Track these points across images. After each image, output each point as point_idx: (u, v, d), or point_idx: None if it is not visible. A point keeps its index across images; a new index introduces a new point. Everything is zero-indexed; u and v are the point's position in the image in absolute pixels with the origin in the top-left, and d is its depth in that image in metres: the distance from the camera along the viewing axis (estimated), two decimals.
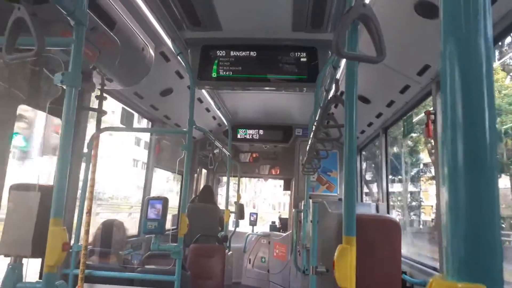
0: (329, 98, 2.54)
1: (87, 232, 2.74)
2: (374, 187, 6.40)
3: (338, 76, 3.18)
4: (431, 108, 3.06)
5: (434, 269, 3.12)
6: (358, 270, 1.63)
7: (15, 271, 1.57)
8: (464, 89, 0.55)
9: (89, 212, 2.77)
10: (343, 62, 2.68)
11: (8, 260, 1.60)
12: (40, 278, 2.34)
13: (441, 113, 0.57)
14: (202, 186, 7.22)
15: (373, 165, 6.71)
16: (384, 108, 4.01)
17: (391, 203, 4.66)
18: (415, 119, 4.13)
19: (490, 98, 0.53)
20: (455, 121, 0.54)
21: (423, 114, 3.27)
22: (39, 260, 1.90)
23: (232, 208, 6.85)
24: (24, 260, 1.63)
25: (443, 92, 0.57)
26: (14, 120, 2.21)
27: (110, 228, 3.28)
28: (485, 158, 0.52)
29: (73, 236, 2.89)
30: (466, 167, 0.52)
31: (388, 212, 4.45)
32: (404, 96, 3.51)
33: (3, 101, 2.22)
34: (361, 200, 6.14)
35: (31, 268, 1.68)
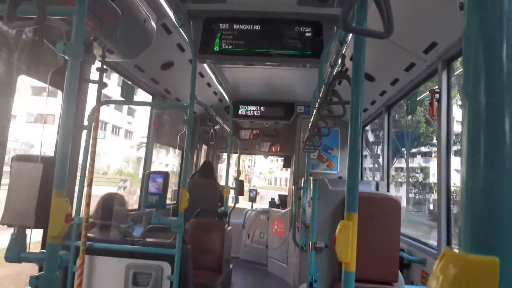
0: (334, 74, 2.51)
1: (88, 204, 2.75)
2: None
3: (343, 51, 3.13)
4: (436, 87, 3.03)
5: (432, 248, 3.16)
6: (357, 247, 1.65)
7: (18, 241, 1.58)
8: (488, 63, 0.53)
9: (89, 184, 2.77)
10: (350, 37, 2.63)
11: (11, 230, 1.61)
12: (42, 248, 2.37)
13: (460, 89, 0.56)
14: (202, 162, 7.24)
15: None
16: (388, 86, 3.98)
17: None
18: (418, 98, 4.10)
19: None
20: (477, 99, 0.53)
21: (427, 92, 3.24)
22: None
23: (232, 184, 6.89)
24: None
25: (466, 68, 0.55)
26: (14, 91, 2.19)
27: (110, 201, 3.29)
28: (504, 133, 0.51)
29: (74, 208, 2.90)
30: (484, 140, 0.52)
31: (388, 191, 4.47)
32: (409, 74, 3.47)
33: (3, 71, 2.18)
34: (361, 178, 6.17)
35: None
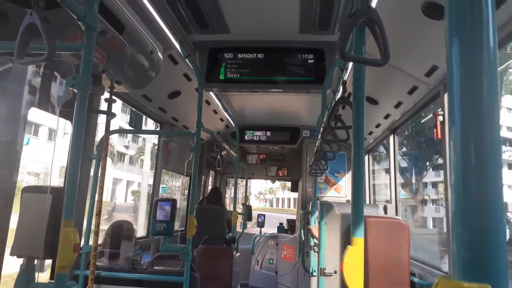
0: (336, 99, 2.55)
1: (96, 233, 2.77)
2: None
3: (345, 77, 3.18)
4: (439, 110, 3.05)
5: (443, 271, 3.10)
6: (366, 271, 1.63)
7: (27, 272, 1.59)
8: (469, 91, 0.55)
9: (98, 213, 2.80)
10: (351, 63, 2.69)
11: (20, 261, 1.63)
12: (51, 278, 2.37)
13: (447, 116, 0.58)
14: (209, 188, 7.24)
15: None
16: (392, 109, 4.00)
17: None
18: (423, 120, 4.11)
19: (493, 99, 0.54)
20: (460, 123, 0.55)
21: (431, 114, 3.26)
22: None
23: (240, 209, 6.87)
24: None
25: (450, 94, 0.58)
26: (25, 122, 2.25)
27: (119, 230, 3.30)
28: (490, 161, 0.53)
29: (82, 237, 2.92)
30: (471, 170, 0.53)
31: (396, 214, 4.43)
32: (412, 97, 3.50)
33: (15, 104, 2.25)
34: (369, 201, 6.12)
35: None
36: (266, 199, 64.96)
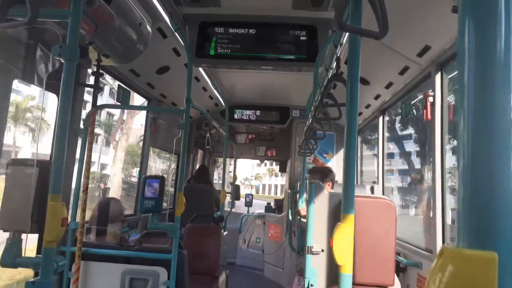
0: (329, 77, 2.52)
1: (83, 209, 2.73)
2: None
3: (338, 54, 3.15)
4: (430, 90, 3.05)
5: (428, 250, 3.16)
6: (353, 250, 1.64)
7: (14, 245, 1.56)
8: (481, 74, 0.54)
9: (85, 190, 2.76)
10: (345, 40, 2.65)
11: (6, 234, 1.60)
12: (37, 253, 2.34)
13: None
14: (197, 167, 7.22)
15: None
16: (382, 89, 4.00)
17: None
18: (413, 101, 4.12)
19: (506, 81, 0.52)
20: (471, 102, 0.54)
21: (421, 96, 3.26)
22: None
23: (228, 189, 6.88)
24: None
25: (460, 75, 0.56)
26: (9, 95, 2.18)
27: (107, 206, 3.27)
28: (500, 129, 0.52)
29: (69, 213, 2.88)
30: (482, 138, 0.52)
31: (383, 194, 4.48)
32: (403, 78, 3.49)
33: None
34: (357, 182, 6.18)
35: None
36: (252, 185, 63.48)
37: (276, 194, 57.72)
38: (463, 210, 0.52)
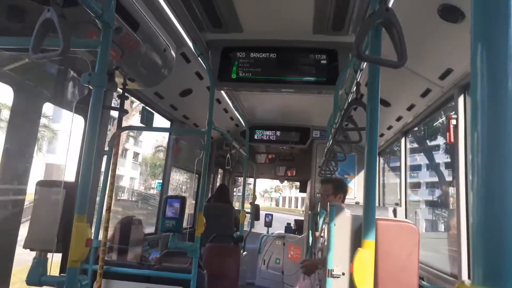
0: (349, 100, 2.53)
1: (106, 228, 2.79)
2: None
3: (358, 79, 3.17)
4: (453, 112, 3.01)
5: (453, 275, 3.07)
6: (375, 274, 1.62)
7: (40, 264, 1.61)
8: (493, 96, 0.55)
9: (108, 209, 2.82)
10: (365, 65, 2.67)
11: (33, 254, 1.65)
12: (61, 272, 2.40)
13: (468, 117, 0.58)
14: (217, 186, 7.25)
15: None
16: (404, 111, 3.97)
17: None
18: (436, 123, 4.07)
19: None
20: (483, 127, 0.54)
21: (444, 118, 3.22)
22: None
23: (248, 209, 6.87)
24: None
25: (473, 99, 0.57)
26: (39, 117, 2.28)
27: (128, 225, 3.33)
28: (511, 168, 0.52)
29: (92, 232, 2.94)
30: (493, 178, 0.53)
31: (406, 217, 4.40)
32: (425, 100, 3.46)
33: (30, 99, 2.28)
34: (379, 204, 6.07)
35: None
36: (272, 197, 62.33)
37: (297, 207, 55.98)
38: (476, 247, 0.53)
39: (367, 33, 1.23)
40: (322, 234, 3.49)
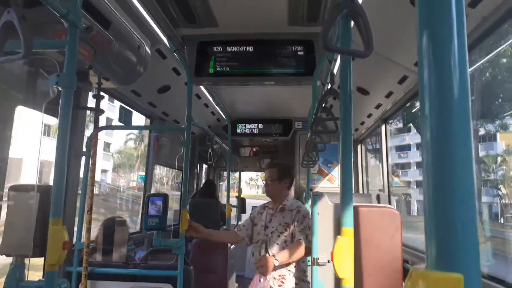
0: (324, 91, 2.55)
1: (88, 230, 2.77)
2: None
3: (335, 69, 3.18)
4: None
5: None
6: (358, 260, 1.65)
7: (17, 270, 1.59)
8: (440, 88, 0.56)
9: (90, 210, 2.79)
10: (339, 56, 2.69)
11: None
12: (43, 276, 2.37)
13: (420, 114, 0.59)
14: (203, 182, 7.24)
15: None
16: (383, 99, 4.02)
17: None
18: (415, 109, 4.13)
19: (464, 95, 0.54)
20: (432, 118, 0.56)
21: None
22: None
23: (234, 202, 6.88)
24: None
25: (421, 91, 0.58)
26: (12, 121, 2.23)
27: (112, 226, 3.30)
28: (462, 152, 0.54)
29: (75, 234, 2.92)
30: (443, 160, 0.54)
31: (389, 203, 4.47)
32: (403, 87, 3.51)
33: (1, 102, 2.23)
34: (362, 191, 6.15)
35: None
36: (258, 185, 62.66)
37: None
38: (429, 233, 0.54)
39: (332, 23, 1.24)
40: (267, 223, 3.29)
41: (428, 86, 0.57)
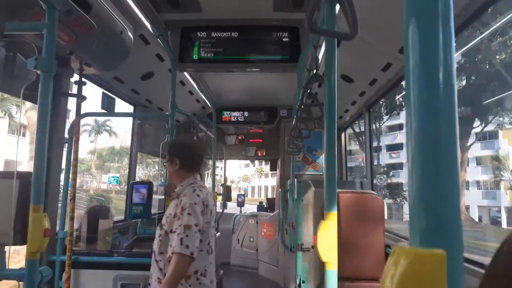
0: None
1: (72, 218, 2.74)
2: None
3: (320, 56, 3.18)
4: None
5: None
6: (342, 245, 1.67)
7: None
8: (426, 76, 0.56)
9: (73, 198, 2.76)
10: (324, 41, 2.68)
11: None
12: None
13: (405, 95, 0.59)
14: None
15: None
16: (367, 86, 4.04)
17: None
18: (398, 96, 4.16)
19: (450, 84, 0.55)
20: (417, 94, 0.56)
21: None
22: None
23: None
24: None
25: (407, 78, 0.58)
26: None
27: (96, 214, 3.28)
28: (446, 130, 0.54)
29: (58, 222, 2.88)
30: (426, 139, 0.54)
31: (372, 189, 4.53)
32: (386, 74, 3.53)
33: None
34: (346, 178, 6.22)
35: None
36: (240, 188, 56.58)
37: (267, 197, 53.66)
38: (413, 211, 0.54)
39: (317, 4, 1.23)
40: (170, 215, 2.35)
41: (413, 72, 0.57)
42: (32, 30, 1.61)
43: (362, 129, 5.94)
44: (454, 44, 0.57)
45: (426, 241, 0.53)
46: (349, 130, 6.25)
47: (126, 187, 4.84)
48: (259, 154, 7.61)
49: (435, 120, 0.55)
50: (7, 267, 1.59)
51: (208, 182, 11.19)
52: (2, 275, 1.55)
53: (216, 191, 6.49)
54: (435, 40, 0.56)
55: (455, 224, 0.53)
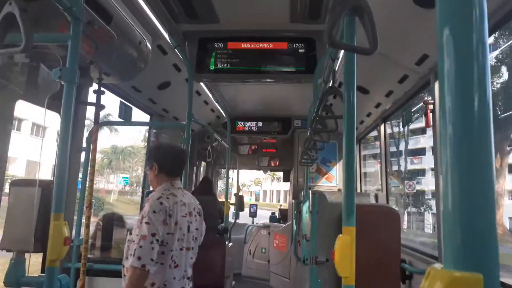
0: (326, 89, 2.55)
1: (87, 226, 2.76)
2: None
3: (336, 67, 3.18)
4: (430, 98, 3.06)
5: (434, 257, 3.14)
6: (357, 259, 1.65)
7: (17, 265, 1.58)
8: (460, 82, 0.55)
9: (89, 206, 2.78)
10: (341, 53, 2.68)
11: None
12: (42, 272, 2.36)
13: (438, 103, 0.58)
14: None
15: None
16: (383, 98, 4.01)
17: None
18: (414, 108, 4.12)
19: (484, 90, 0.54)
20: (452, 113, 0.55)
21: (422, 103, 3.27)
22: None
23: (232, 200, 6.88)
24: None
25: (441, 83, 0.57)
26: (12, 116, 2.22)
27: (110, 222, 3.30)
28: (481, 149, 0.53)
29: (74, 230, 2.90)
30: (462, 158, 0.53)
31: (387, 202, 4.47)
32: (403, 86, 3.51)
33: (1, 96, 2.22)
34: (360, 191, 6.16)
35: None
36: (251, 191, 57.70)
37: (279, 201, 50.36)
38: (447, 231, 0.53)
39: (338, 19, 1.23)
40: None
41: (447, 78, 0.56)
42: (58, 41, 1.64)
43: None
44: (488, 49, 0.56)
45: (461, 263, 0.51)
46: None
47: (136, 188, 4.86)
48: (272, 164, 7.60)
49: (470, 135, 0.54)
50: (26, 274, 1.61)
51: (219, 188, 11.17)
52: (22, 282, 1.56)
53: (228, 200, 6.49)
54: (469, 45, 0.55)
55: (491, 246, 0.51)
